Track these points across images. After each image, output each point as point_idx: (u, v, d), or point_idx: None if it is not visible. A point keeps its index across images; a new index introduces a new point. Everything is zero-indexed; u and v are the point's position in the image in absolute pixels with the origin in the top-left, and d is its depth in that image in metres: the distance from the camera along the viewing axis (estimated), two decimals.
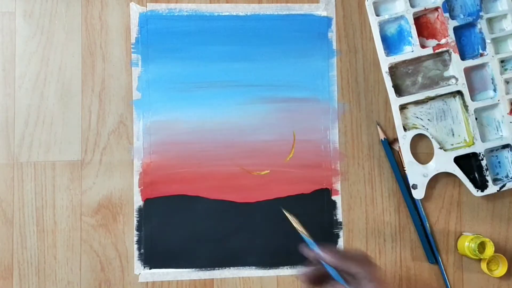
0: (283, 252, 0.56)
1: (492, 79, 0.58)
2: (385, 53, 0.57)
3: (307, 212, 0.56)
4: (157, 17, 0.57)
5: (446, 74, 0.59)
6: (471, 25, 0.58)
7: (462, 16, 0.58)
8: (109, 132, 0.56)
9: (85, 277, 0.55)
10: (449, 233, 0.58)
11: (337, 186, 0.57)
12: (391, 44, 0.59)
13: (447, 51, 0.58)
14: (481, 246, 0.55)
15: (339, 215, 0.57)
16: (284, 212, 0.46)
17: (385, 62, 0.57)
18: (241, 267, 0.56)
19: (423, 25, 0.59)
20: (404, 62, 0.58)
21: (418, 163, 0.57)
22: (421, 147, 0.58)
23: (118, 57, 0.57)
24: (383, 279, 0.43)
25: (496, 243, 0.57)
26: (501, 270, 0.56)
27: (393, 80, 0.57)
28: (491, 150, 0.58)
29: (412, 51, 0.57)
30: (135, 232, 0.55)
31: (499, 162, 0.58)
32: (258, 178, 0.56)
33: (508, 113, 0.57)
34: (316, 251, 0.44)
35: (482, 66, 0.58)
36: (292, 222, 0.45)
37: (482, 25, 0.58)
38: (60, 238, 0.55)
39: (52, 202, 0.55)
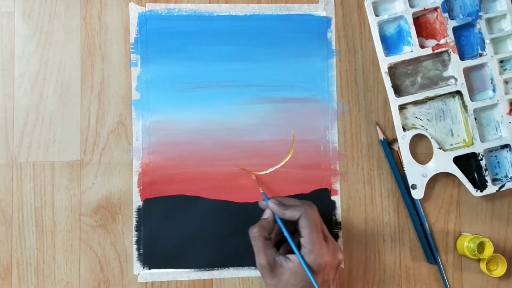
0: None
1: (491, 79, 0.58)
2: (384, 53, 0.57)
3: None
4: (156, 17, 0.57)
5: (445, 74, 0.59)
6: (470, 25, 0.58)
7: (461, 16, 0.58)
8: (108, 132, 0.56)
9: (84, 277, 0.55)
10: (448, 233, 0.58)
11: (337, 186, 0.57)
12: (390, 44, 0.59)
13: (446, 51, 0.58)
14: (480, 246, 0.55)
15: (338, 215, 0.57)
16: (244, 169, 0.55)
17: (384, 62, 0.57)
18: (241, 268, 0.56)
19: (422, 25, 0.59)
20: (403, 62, 0.58)
21: (417, 163, 0.57)
22: (421, 147, 0.58)
23: (117, 57, 0.57)
24: (317, 219, 0.49)
25: (495, 243, 0.57)
26: (500, 270, 0.56)
27: (392, 80, 0.57)
28: (490, 150, 0.58)
29: (411, 51, 0.57)
30: (134, 232, 0.55)
31: (498, 162, 0.58)
32: (258, 178, 0.56)
33: (507, 113, 0.57)
34: (266, 202, 0.51)
35: (481, 66, 0.58)
36: (254, 178, 0.55)
37: (481, 25, 0.58)
38: (59, 238, 0.55)
39: (51, 202, 0.55)
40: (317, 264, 0.47)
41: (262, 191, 0.53)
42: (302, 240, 0.48)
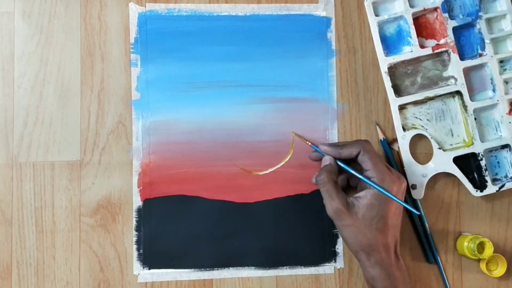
0: (282, 253, 0.56)
1: (491, 79, 0.58)
2: (384, 53, 0.57)
3: (306, 213, 0.56)
4: (156, 17, 0.57)
5: (445, 74, 0.59)
6: (470, 25, 0.58)
7: (461, 16, 0.58)
8: (108, 132, 0.56)
9: (84, 277, 0.55)
10: (448, 233, 0.58)
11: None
12: (390, 44, 0.59)
13: (446, 51, 0.58)
14: (480, 246, 0.55)
15: None
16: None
17: (384, 62, 0.57)
18: (240, 268, 0.56)
19: (422, 25, 0.59)
20: (403, 62, 0.58)
21: (417, 163, 0.57)
22: (420, 147, 0.58)
23: (117, 57, 0.57)
24: (376, 152, 0.51)
25: (495, 243, 0.57)
26: (500, 270, 0.56)
27: (392, 80, 0.57)
28: (490, 150, 0.58)
29: (411, 51, 0.57)
30: (134, 233, 0.55)
31: (498, 162, 0.58)
32: (257, 179, 0.56)
33: (507, 113, 0.57)
34: (320, 148, 0.53)
35: (481, 66, 0.58)
36: (299, 138, 0.55)
37: (481, 25, 0.58)
38: (59, 239, 0.55)
39: (51, 202, 0.55)
40: (390, 190, 0.49)
41: (309, 143, 0.54)
42: (369, 173, 0.50)
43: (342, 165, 0.52)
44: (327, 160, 0.52)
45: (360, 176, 0.50)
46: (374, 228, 0.49)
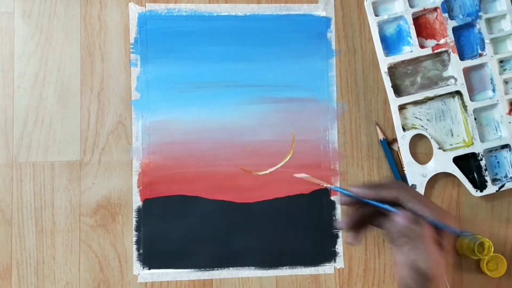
0: (282, 253, 0.56)
1: (491, 79, 0.58)
2: (384, 53, 0.57)
3: (306, 213, 0.56)
4: (156, 17, 0.57)
5: (445, 74, 0.59)
6: (470, 25, 0.58)
7: (461, 17, 0.58)
8: (108, 132, 0.56)
9: (84, 277, 0.55)
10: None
11: (336, 186, 0.57)
12: (390, 44, 0.59)
13: (446, 51, 0.58)
14: (480, 246, 0.55)
15: (338, 215, 0.57)
16: (299, 176, 0.45)
17: (384, 62, 0.57)
18: (240, 268, 0.56)
19: (422, 25, 0.59)
20: (403, 62, 0.58)
21: (417, 163, 0.57)
22: (420, 147, 0.58)
23: (117, 57, 0.57)
24: (420, 195, 0.41)
25: (495, 243, 0.57)
26: (500, 270, 0.56)
27: (392, 80, 0.57)
28: (490, 150, 0.58)
29: (411, 51, 0.57)
30: (134, 233, 0.55)
31: (498, 162, 0.58)
32: (257, 179, 0.56)
33: (507, 113, 0.57)
34: (351, 191, 0.40)
35: (481, 66, 0.58)
36: (314, 181, 0.44)
37: (481, 25, 0.58)
38: (59, 239, 0.55)
39: (51, 202, 0.55)
40: (443, 223, 0.39)
41: (332, 187, 0.46)
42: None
43: (376, 204, 0.40)
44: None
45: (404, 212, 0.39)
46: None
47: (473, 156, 0.57)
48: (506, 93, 0.58)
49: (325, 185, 0.44)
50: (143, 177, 0.56)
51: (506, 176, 0.58)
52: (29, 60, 0.56)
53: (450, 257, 0.40)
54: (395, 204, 0.39)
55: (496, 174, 0.58)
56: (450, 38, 0.57)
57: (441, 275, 0.39)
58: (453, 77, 0.58)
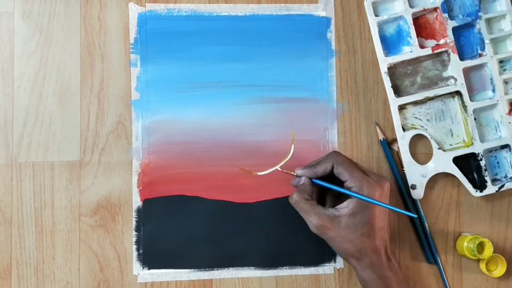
0: (282, 253, 0.56)
1: (491, 79, 0.58)
2: (384, 53, 0.57)
3: None
4: (156, 17, 0.57)
5: (445, 74, 0.59)
6: (470, 25, 0.58)
7: (461, 17, 0.58)
8: (108, 132, 0.56)
9: (84, 277, 0.55)
10: (448, 234, 0.58)
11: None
12: (390, 44, 0.59)
13: (446, 51, 0.58)
14: (480, 247, 0.55)
15: None
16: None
17: (384, 62, 0.57)
18: (240, 268, 0.56)
19: (422, 26, 0.59)
20: (403, 62, 0.58)
21: (417, 164, 0.57)
22: (420, 147, 0.58)
23: (117, 57, 0.57)
24: (349, 161, 0.51)
25: (495, 243, 0.57)
26: (500, 270, 0.56)
27: (392, 80, 0.57)
28: (490, 151, 0.58)
29: (411, 52, 0.57)
30: (134, 233, 0.55)
31: (498, 163, 0.58)
32: (257, 179, 0.56)
33: (507, 113, 0.57)
34: (296, 174, 0.52)
35: (481, 66, 0.58)
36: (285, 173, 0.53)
37: (481, 25, 0.58)
38: (58, 239, 0.55)
39: (51, 202, 0.55)
40: (371, 195, 0.49)
41: (293, 173, 0.52)
42: (347, 183, 0.49)
43: (319, 182, 0.51)
44: (301, 180, 0.51)
45: (337, 189, 0.50)
46: (360, 234, 0.49)
47: (473, 156, 0.57)
48: (506, 93, 0.58)
49: (292, 173, 0.52)
50: (143, 177, 0.56)
51: (506, 176, 0.58)
52: (29, 60, 0.56)
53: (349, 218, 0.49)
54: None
55: (496, 174, 0.58)
56: (450, 38, 0.57)
57: (328, 236, 0.50)
58: (453, 77, 0.58)
